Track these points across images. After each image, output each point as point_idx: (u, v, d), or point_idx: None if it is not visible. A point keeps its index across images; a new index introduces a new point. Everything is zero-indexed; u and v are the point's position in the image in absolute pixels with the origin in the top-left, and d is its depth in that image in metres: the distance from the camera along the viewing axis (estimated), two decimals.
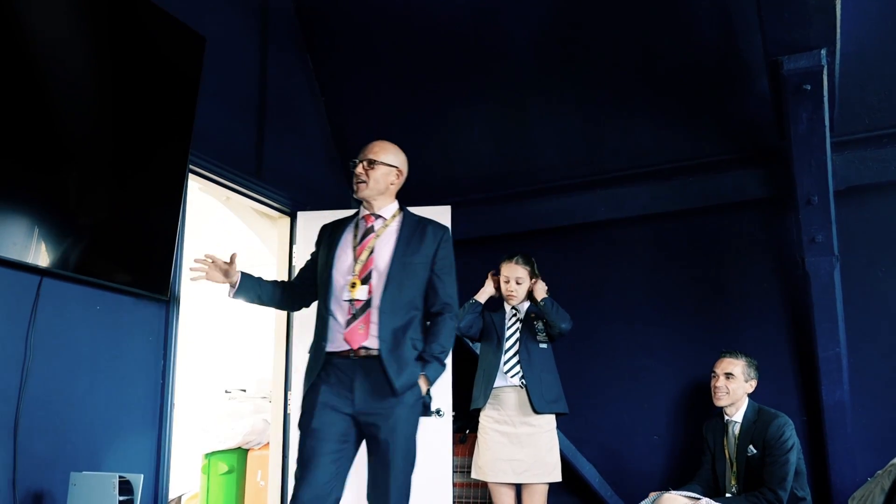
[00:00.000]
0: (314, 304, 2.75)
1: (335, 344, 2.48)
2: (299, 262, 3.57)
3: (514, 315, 3.51)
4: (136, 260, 2.92)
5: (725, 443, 3.38)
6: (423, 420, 2.54)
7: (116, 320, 2.89)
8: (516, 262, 3.48)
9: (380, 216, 2.63)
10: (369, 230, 2.60)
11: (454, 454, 3.86)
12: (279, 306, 2.85)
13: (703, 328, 3.82)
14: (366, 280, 2.50)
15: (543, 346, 3.42)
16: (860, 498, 2.75)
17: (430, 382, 2.52)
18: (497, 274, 3.54)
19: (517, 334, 3.44)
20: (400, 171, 2.65)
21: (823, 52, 3.01)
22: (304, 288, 2.74)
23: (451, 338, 2.58)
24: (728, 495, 3.30)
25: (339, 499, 2.42)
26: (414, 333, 2.52)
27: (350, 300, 2.48)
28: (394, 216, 2.64)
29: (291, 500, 2.38)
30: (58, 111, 2.61)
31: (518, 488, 3.37)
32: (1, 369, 2.43)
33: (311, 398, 2.47)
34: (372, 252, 2.54)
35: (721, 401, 3.38)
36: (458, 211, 3.80)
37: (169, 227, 3.02)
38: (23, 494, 2.45)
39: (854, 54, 3.24)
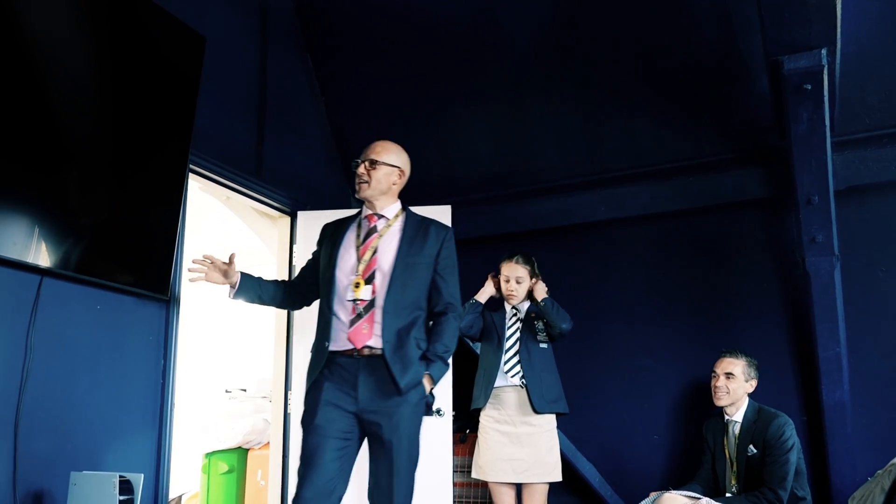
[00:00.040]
0: (314, 304, 2.75)
1: (338, 343, 2.48)
2: (299, 261, 3.58)
3: (515, 315, 3.51)
4: (136, 260, 2.92)
5: (725, 442, 3.38)
6: (424, 419, 2.54)
7: (117, 320, 2.89)
8: (516, 262, 3.48)
9: (383, 216, 2.63)
10: (372, 230, 2.60)
11: (454, 454, 3.86)
12: (280, 305, 2.85)
13: (704, 328, 3.82)
14: (369, 280, 2.50)
15: (544, 345, 3.42)
16: (860, 498, 2.75)
17: (435, 382, 2.52)
18: (497, 275, 3.54)
19: (517, 334, 3.44)
20: (402, 171, 2.65)
21: (824, 51, 3.01)
22: (306, 287, 2.75)
23: (454, 337, 2.59)
24: (728, 495, 3.30)
25: (342, 496, 2.42)
26: (418, 333, 2.52)
27: (354, 300, 2.48)
28: (397, 216, 2.64)
29: (295, 498, 2.37)
30: (58, 111, 2.61)
31: (518, 488, 3.37)
32: (1, 369, 2.43)
33: (314, 396, 2.47)
34: (375, 252, 2.55)
35: (721, 400, 3.38)
36: (458, 211, 3.80)
37: (169, 227, 3.02)
38: (23, 494, 2.45)
39: (854, 54, 3.24)
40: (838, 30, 2.95)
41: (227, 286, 2.64)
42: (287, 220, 4.05)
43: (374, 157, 2.61)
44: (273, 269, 4.03)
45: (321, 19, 4.30)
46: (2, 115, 2.37)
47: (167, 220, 3.01)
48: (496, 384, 3.38)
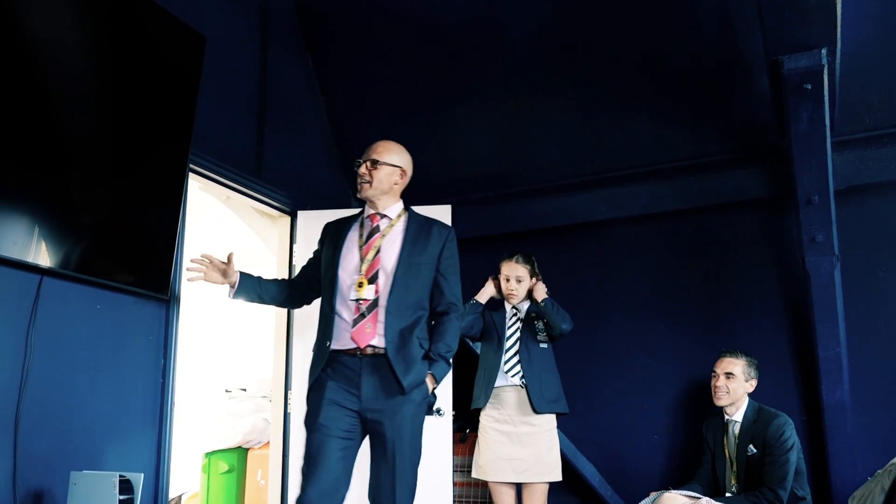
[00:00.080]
0: (315, 303, 2.75)
1: (341, 342, 2.48)
2: (300, 261, 3.58)
3: (515, 314, 3.51)
4: (136, 259, 2.92)
5: (725, 442, 3.38)
6: (425, 419, 2.55)
7: (117, 320, 2.89)
8: (516, 261, 3.48)
9: (385, 216, 2.63)
10: (375, 230, 2.61)
11: (454, 453, 3.86)
12: (280, 304, 2.85)
13: (704, 328, 3.82)
14: (372, 279, 2.50)
15: (544, 345, 3.42)
16: (860, 497, 2.75)
17: (437, 381, 2.53)
18: (497, 276, 3.54)
19: (517, 334, 3.45)
20: (404, 170, 2.65)
21: (824, 51, 3.01)
22: (306, 285, 2.75)
23: (456, 337, 2.60)
24: (728, 495, 3.30)
25: (345, 496, 2.43)
26: (420, 332, 2.53)
27: (357, 299, 2.48)
28: (399, 216, 2.65)
29: (299, 497, 2.38)
30: (58, 110, 2.61)
31: (518, 487, 3.37)
32: (1, 369, 2.43)
33: (317, 395, 2.47)
34: (378, 252, 2.55)
35: (721, 400, 3.38)
36: (458, 210, 3.80)
37: (169, 227, 3.02)
38: (23, 494, 2.45)
39: (854, 54, 3.23)
40: (838, 30, 2.95)
41: (227, 286, 2.65)
42: (287, 219, 4.05)
43: (375, 156, 2.61)
44: (273, 269, 4.03)
45: (321, 19, 4.30)
46: (2, 115, 2.37)
47: (167, 219, 3.01)
48: (496, 384, 3.38)
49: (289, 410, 3.84)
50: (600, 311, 4.01)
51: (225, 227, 4.75)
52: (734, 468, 3.32)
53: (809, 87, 3.07)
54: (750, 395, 3.39)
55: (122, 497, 2.34)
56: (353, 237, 2.62)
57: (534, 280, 3.49)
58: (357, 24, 4.20)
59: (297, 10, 4.30)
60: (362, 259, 2.54)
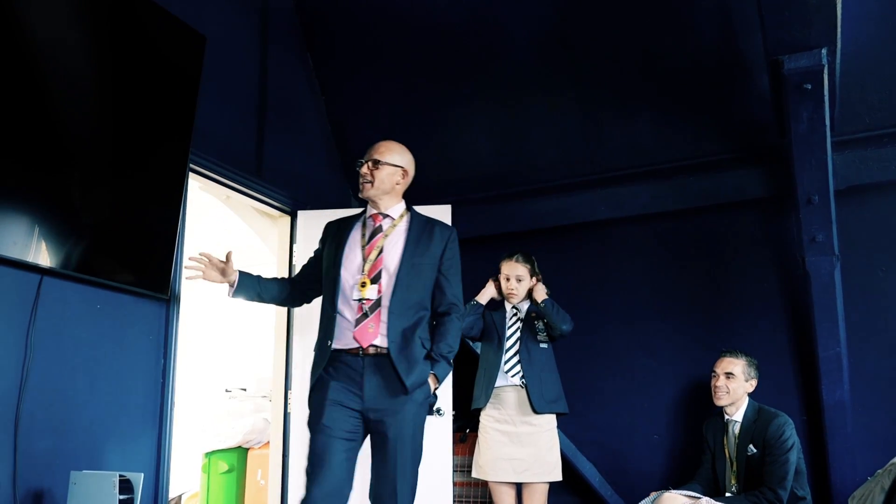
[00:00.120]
0: (314, 302, 2.75)
1: (343, 342, 2.49)
2: (300, 261, 3.58)
3: (515, 314, 3.51)
4: (136, 259, 2.92)
5: (725, 442, 3.38)
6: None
7: (117, 319, 2.89)
8: (516, 260, 3.48)
9: (388, 216, 2.64)
10: (378, 229, 2.61)
11: (454, 453, 3.86)
12: (280, 303, 2.86)
13: (703, 328, 3.82)
14: (375, 279, 2.50)
15: (544, 345, 3.42)
16: (860, 497, 2.75)
17: (439, 381, 2.54)
18: (497, 277, 3.54)
19: (518, 334, 3.45)
20: (406, 171, 2.66)
21: (824, 51, 3.01)
22: (307, 284, 2.75)
23: (457, 338, 2.61)
24: (728, 495, 3.30)
25: (349, 496, 2.44)
26: (422, 333, 2.54)
27: (360, 299, 2.48)
28: (401, 216, 2.65)
29: (304, 499, 2.39)
30: (58, 110, 2.61)
31: (518, 487, 3.37)
32: (1, 369, 2.43)
33: (320, 395, 2.47)
34: (381, 252, 2.55)
35: (721, 400, 3.38)
36: (458, 210, 3.80)
37: (169, 226, 3.02)
38: (23, 493, 2.45)
39: (855, 54, 3.23)
40: (838, 29, 2.95)
41: (226, 285, 2.65)
42: (287, 219, 4.05)
43: (377, 156, 2.61)
44: (273, 269, 4.03)
45: (321, 19, 4.30)
46: (2, 115, 2.37)
47: (167, 219, 3.01)
48: (497, 384, 3.38)
49: (289, 410, 3.83)
50: (600, 311, 4.01)
51: (225, 226, 4.75)
52: (734, 468, 3.32)
53: (809, 87, 3.07)
54: (750, 395, 3.39)
55: (122, 497, 2.34)
56: (355, 237, 2.62)
57: (534, 280, 3.50)
58: (357, 24, 4.20)
59: (297, 10, 4.30)
60: (365, 259, 2.54)
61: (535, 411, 3.29)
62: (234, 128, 3.71)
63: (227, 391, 5.04)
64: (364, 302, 2.48)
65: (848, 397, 3.41)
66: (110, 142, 2.81)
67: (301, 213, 3.99)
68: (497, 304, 3.59)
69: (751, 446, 3.27)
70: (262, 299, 2.73)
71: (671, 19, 3.62)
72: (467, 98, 4.16)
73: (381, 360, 2.46)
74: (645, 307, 3.96)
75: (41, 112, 2.52)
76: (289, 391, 3.86)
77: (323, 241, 2.73)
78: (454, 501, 3.83)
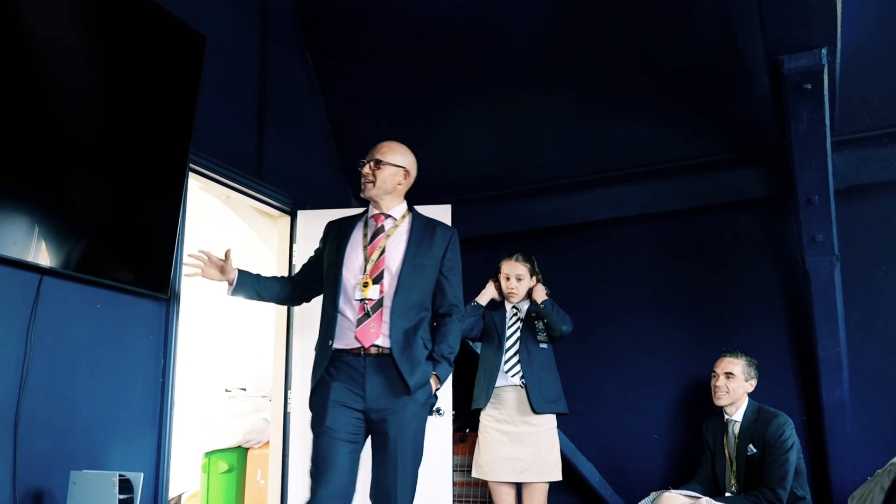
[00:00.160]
0: (314, 301, 2.75)
1: (344, 341, 2.49)
2: (299, 261, 3.58)
3: (515, 314, 3.51)
4: (136, 258, 2.92)
5: (725, 442, 3.38)
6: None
7: (117, 319, 2.89)
8: (516, 260, 3.48)
9: (390, 216, 2.64)
10: (380, 230, 2.61)
11: (454, 453, 3.86)
12: (280, 302, 2.87)
13: (703, 327, 3.82)
14: (377, 280, 2.50)
15: (544, 345, 3.42)
16: (860, 497, 2.75)
17: (441, 382, 2.54)
18: (497, 278, 3.54)
19: (518, 334, 3.45)
20: (407, 171, 2.66)
21: (824, 51, 3.01)
22: (307, 283, 2.75)
23: (458, 339, 2.62)
24: (728, 494, 3.30)
25: (353, 496, 2.45)
26: (424, 333, 2.55)
27: (362, 299, 2.48)
28: (403, 216, 2.66)
29: (310, 501, 2.40)
30: (58, 110, 2.61)
31: (518, 487, 3.37)
32: (1, 368, 2.43)
33: (322, 396, 2.47)
34: (383, 252, 2.55)
35: (721, 400, 3.38)
36: (458, 210, 3.80)
37: (169, 226, 3.02)
38: (23, 493, 2.45)
39: (854, 53, 3.23)
40: (838, 29, 2.95)
41: (225, 283, 2.65)
42: (287, 219, 4.05)
43: (379, 157, 2.61)
44: (273, 269, 4.03)
45: (321, 19, 4.30)
46: (2, 115, 2.37)
47: (167, 219, 3.01)
48: (497, 384, 3.38)
49: (289, 410, 3.83)
50: (600, 311, 4.01)
51: (225, 226, 4.74)
52: (734, 468, 3.32)
53: (809, 86, 3.07)
54: (750, 394, 3.39)
55: (121, 496, 2.34)
56: (357, 237, 2.62)
57: (534, 279, 3.49)
58: (357, 24, 4.20)
59: (297, 10, 4.30)
60: (367, 259, 2.55)
61: (535, 411, 3.29)
62: (234, 128, 3.71)
63: (226, 391, 5.04)
64: (366, 302, 2.49)
65: (848, 397, 3.41)
66: (110, 142, 2.81)
67: (301, 213, 3.99)
68: (497, 305, 3.59)
69: (750, 446, 3.27)
70: (261, 298, 2.74)
71: (671, 19, 3.62)
72: (467, 98, 4.16)
73: (382, 360, 2.46)
74: (645, 307, 3.96)
75: (41, 112, 2.52)
76: (289, 391, 3.86)
77: (324, 240, 2.73)
78: (454, 501, 3.83)
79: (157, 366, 3.06)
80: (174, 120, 3.05)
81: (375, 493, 2.45)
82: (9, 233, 2.39)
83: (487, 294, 3.54)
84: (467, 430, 4.16)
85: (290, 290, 2.78)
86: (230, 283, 2.64)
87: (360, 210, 2.78)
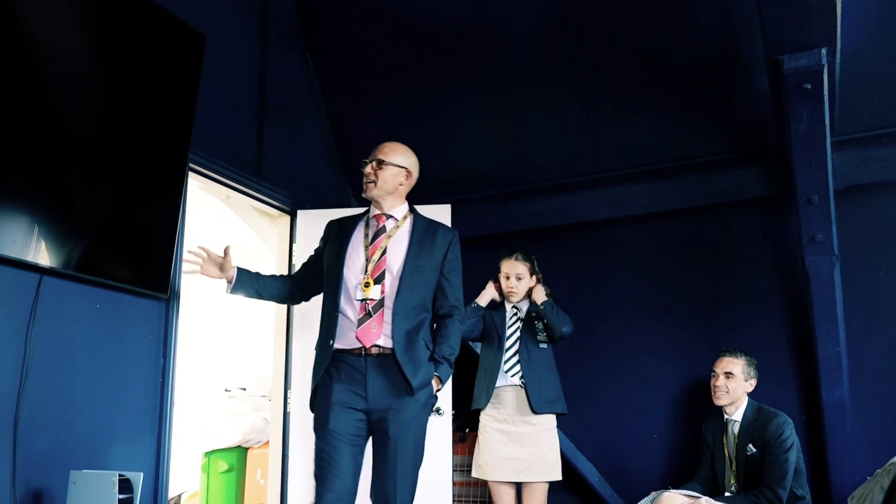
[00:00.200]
0: (314, 301, 2.75)
1: (345, 341, 2.49)
2: (299, 260, 3.58)
3: (515, 314, 3.51)
4: (135, 258, 2.92)
5: (725, 442, 3.38)
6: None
7: (116, 318, 2.89)
8: (516, 259, 3.48)
9: (391, 216, 2.64)
10: (381, 230, 2.61)
11: (454, 453, 3.86)
12: (279, 300, 2.87)
13: (703, 327, 3.82)
14: (378, 280, 2.50)
15: (544, 345, 3.42)
16: (859, 497, 2.75)
17: (442, 383, 2.55)
18: (497, 279, 3.54)
19: (518, 334, 3.44)
20: (409, 172, 2.66)
21: (824, 51, 3.01)
22: (307, 282, 2.76)
23: (458, 340, 2.63)
24: (728, 494, 3.30)
25: (356, 495, 2.45)
26: (425, 334, 2.55)
27: (363, 299, 2.49)
28: (405, 217, 2.66)
29: (316, 502, 2.40)
30: (58, 110, 2.61)
31: (518, 487, 3.37)
32: (1, 369, 2.43)
33: (324, 397, 2.48)
34: (384, 253, 2.56)
35: (721, 400, 3.38)
36: (458, 210, 3.80)
37: (169, 226, 3.02)
38: (22, 493, 2.45)
39: (854, 53, 3.23)
40: (838, 29, 2.95)
41: (224, 281, 2.65)
42: (287, 218, 4.05)
43: (381, 157, 2.62)
44: (273, 268, 4.03)
45: (321, 19, 4.30)
46: (2, 115, 2.36)
47: (167, 218, 3.01)
48: (497, 384, 3.38)
49: (288, 410, 3.83)
50: (600, 311, 4.01)
51: (225, 226, 4.74)
52: (733, 467, 3.32)
53: (809, 86, 3.07)
54: (749, 394, 3.39)
55: (121, 496, 2.33)
56: (358, 237, 2.62)
57: (533, 279, 3.49)
58: (357, 24, 4.20)
59: (297, 10, 4.30)
60: (368, 259, 2.55)
61: (534, 411, 3.29)
62: (234, 127, 3.71)
63: (226, 390, 5.04)
64: (367, 302, 2.49)
65: (847, 397, 3.41)
66: (110, 141, 2.82)
67: (301, 213, 3.99)
68: (497, 305, 3.59)
69: (750, 446, 3.27)
70: (260, 296, 2.74)
71: (671, 19, 3.62)
72: (467, 98, 4.16)
73: (384, 360, 2.46)
74: (645, 307, 3.96)
75: (41, 111, 2.52)
76: (288, 390, 3.86)
77: (325, 239, 2.73)
78: (454, 501, 3.83)
79: (156, 365, 3.06)
80: (174, 119, 3.05)
81: (376, 492, 2.46)
82: (8, 232, 2.39)
83: (487, 295, 3.54)
84: (467, 430, 4.16)
85: (289, 289, 2.78)
86: (229, 281, 2.64)
87: (361, 210, 2.78)
